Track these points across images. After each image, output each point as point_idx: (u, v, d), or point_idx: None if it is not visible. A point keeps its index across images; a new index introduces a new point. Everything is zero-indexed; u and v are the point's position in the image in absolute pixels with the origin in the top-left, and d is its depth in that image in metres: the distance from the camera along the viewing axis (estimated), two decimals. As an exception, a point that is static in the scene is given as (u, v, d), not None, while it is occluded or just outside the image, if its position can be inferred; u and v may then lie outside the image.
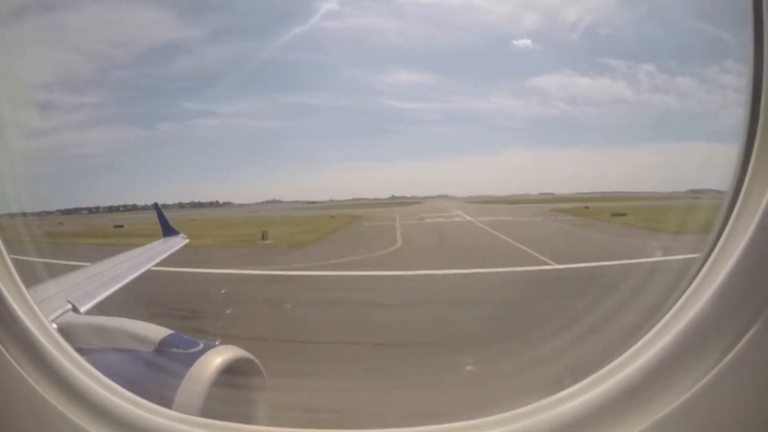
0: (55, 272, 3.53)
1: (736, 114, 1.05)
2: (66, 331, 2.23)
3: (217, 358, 2.04)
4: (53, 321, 2.41)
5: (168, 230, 7.81)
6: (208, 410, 1.70)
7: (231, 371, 2.05)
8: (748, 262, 0.87)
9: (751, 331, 0.85)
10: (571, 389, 1.08)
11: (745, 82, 1.00)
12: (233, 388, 2.09)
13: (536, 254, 16.19)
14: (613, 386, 1.01)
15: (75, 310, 2.78)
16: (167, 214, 8.72)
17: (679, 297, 1.02)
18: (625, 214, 28.49)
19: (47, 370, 1.27)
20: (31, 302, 1.38)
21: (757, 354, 0.85)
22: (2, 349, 1.23)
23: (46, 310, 2.56)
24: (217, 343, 2.18)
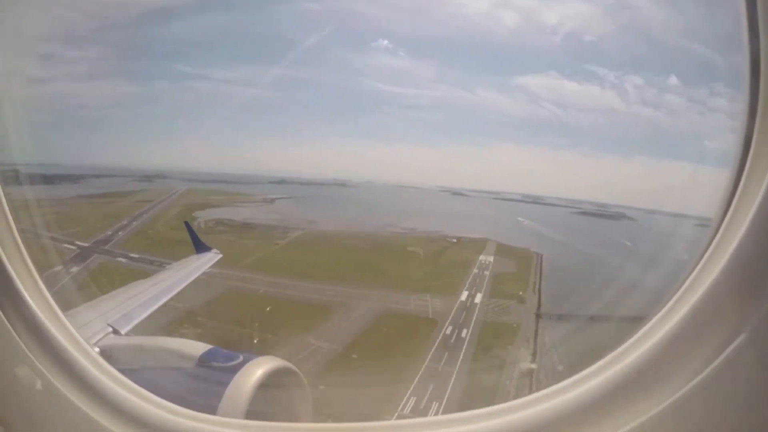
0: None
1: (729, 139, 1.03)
2: (108, 354, 2.26)
3: (258, 369, 2.01)
4: (95, 344, 2.45)
5: (200, 247, 7.74)
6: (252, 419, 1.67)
7: (272, 381, 2.02)
8: (735, 270, 0.88)
9: (738, 339, 0.85)
10: (564, 383, 1.08)
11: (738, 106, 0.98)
12: (275, 398, 2.06)
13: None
14: (605, 382, 1.00)
15: (116, 332, 2.83)
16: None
17: (669, 299, 1.00)
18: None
19: (93, 392, 1.26)
20: (70, 327, 1.37)
21: (742, 362, 0.86)
22: (52, 380, 1.23)
23: (87, 334, 2.61)
24: (256, 355, 2.16)
